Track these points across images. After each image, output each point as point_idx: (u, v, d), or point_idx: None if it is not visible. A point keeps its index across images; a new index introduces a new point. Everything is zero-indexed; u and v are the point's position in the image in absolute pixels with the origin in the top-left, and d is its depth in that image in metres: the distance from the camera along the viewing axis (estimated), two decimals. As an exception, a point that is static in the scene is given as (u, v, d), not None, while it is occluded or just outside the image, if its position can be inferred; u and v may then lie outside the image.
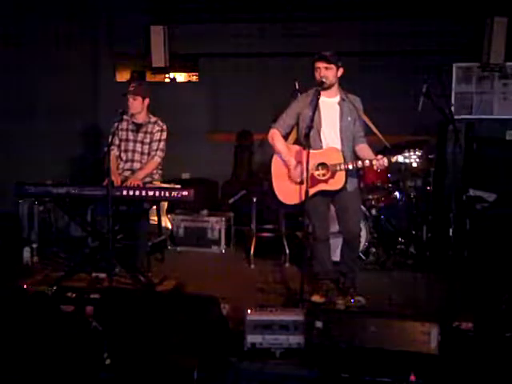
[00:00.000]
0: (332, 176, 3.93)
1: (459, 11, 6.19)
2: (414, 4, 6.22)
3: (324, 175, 3.94)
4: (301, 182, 3.93)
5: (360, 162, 3.91)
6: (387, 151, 4.09)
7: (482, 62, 6.29)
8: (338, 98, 4.06)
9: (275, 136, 4.13)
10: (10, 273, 4.66)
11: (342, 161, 3.92)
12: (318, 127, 3.99)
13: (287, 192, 4.07)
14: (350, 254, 4.17)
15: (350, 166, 3.91)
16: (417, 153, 3.82)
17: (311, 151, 3.75)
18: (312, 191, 3.88)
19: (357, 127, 4.06)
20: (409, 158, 3.84)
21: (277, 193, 4.13)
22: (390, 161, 3.84)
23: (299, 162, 3.98)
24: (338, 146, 4.00)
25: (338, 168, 3.91)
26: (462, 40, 6.30)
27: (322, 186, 3.96)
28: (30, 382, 2.96)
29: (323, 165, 3.94)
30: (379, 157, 3.86)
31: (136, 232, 4.63)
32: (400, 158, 3.85)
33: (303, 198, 3.81)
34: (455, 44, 6.32)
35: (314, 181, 3.92)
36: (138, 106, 4.73)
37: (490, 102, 6.51)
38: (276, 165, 4.15)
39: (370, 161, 3.87)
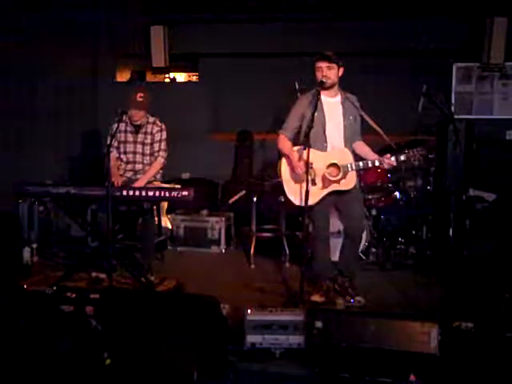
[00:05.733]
0: (344, 176, 3.94)
1: (459, 11, 6.20)
2: (413, 4, 6.22)
3: (336, 175, 3.93)
4: (312, 183, 3.90)
5: (370, 162, 3.94)
6: (390, 150, 4.11)
7: (481, 62, 6.30)
8: (339, 98, 4.06)
9: (283, 142, 4.09)
10: (10, 273, 4.66)
11: (352, 161, 3.94)
12: (324, 127, 3.99)
13: (300, 194, 3.97)
14: (350, 253, 4.17)
15: (361, 165, 3.93)
16: (420, 151, 3.89)
17: (321, 153, 3.86)
18: (325, 192, 3.94)
19: (356, 125, 4.09)
20: (413, 156, 3.91)
21: (289, 195, 4.05)
22: (397, 159, 3.87)
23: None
24: (342, 145, 4.01)
25: (350, 168, 3.92)
26: (462, 40, 6.31)
27: (334, 187, 3.96)
28: (30, 382, 2.96)
29: (334, 165, 3.94)
30: (387, 155, 3.90)
31: (142, 233, 4.65)
32: (403, 157, 3.91)
33: (317, 198, 3.90)
34: (455, 44, 6.32)
35: (326, 182, 3.92)
36: (142, 115, 4.73)
37: (490, 102, 6.52)
38: (286, 168, 4.08)
39: (380, 160, 3.91)
